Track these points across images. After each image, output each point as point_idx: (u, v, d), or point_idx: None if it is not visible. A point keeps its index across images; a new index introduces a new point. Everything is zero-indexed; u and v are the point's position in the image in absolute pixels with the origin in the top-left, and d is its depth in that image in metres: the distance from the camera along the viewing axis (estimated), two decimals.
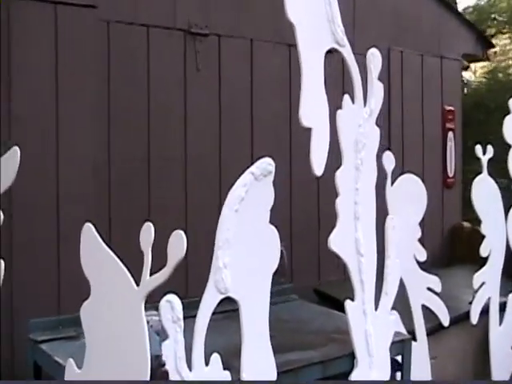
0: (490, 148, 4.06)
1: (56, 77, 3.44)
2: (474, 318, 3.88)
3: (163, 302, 2.32)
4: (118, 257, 2.35)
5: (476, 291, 3.93)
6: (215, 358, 2.47)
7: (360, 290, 3.02)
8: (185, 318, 2.37)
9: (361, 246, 3.02)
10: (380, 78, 4.87)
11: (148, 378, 2.16)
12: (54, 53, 3.43)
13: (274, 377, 2.65)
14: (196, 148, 3.96)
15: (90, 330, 2.39)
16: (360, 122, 3.08)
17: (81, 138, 3.52)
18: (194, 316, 2.47)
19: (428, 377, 3.66)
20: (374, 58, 3.18)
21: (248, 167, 2.60)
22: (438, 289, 3.70)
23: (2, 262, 2.81)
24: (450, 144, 5.29)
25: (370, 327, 3.01)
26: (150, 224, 2.32)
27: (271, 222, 4.43)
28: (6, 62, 3.31)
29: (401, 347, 3.22)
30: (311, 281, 4.46)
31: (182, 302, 2.36)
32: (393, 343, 3.17)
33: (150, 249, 2.27)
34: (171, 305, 2.33)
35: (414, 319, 3.63)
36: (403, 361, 3.23)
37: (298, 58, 2.86)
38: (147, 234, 2.30)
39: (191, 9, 3.93)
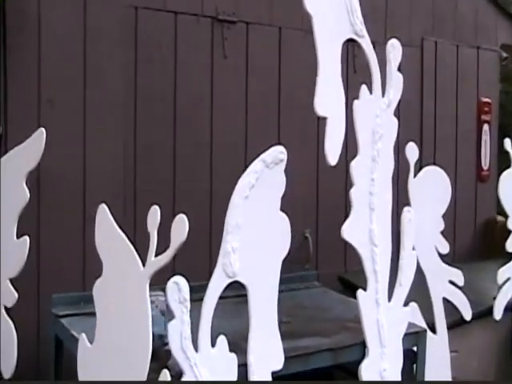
0: None
1: (84, 62, 3.56)
2: (498, 314, 3.85)
3: (170, 284, 2.40)
4: (129, 238, 2.46)
5: (501, 286, 3.90)
6: (221, 339, 2.55)
7: (373, 280, 3.04)
8: (197, 300, 2.46)
9: (375, 236, 3.05)
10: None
11: (149, 356, 2.26)
12: (82, 38, 3.55)
13: (281, 361, 2.71)
14: (223, 134, 4.03)
15: (100, 307, 2.52)
16: (377, 113, 3.10)
17: (108, 121, 3.64)
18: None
19: (447, 370, 3.65)
20: (394, 49, 3.19)
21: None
22: (461, 282, 3.68)
23: (28, 238, 2.97)
24: (485, 137, 5.21)
25: (383, 317, 3.03)
26: (157, 207, 2.43)
27: (297, 209, 4.47)
28: (37, 49, 3.44)
29: (415, 339, 3.23)
30: (337, 269, 4.49)
31: (191, 286, 2.44)
32: (407, 335, 3.19)
33: (156, 231, 2.38)
34: (178, 286, 2.41)
35: (435, 312, 3.62)
36: (418, 353, 3.25)
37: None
38: (154, 217, 2.40)
39: None
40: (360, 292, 3.00)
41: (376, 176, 3.07)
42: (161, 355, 2.37)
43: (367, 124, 3.07)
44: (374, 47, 4.67)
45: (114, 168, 3.66)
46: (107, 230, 2.55)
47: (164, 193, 3.81)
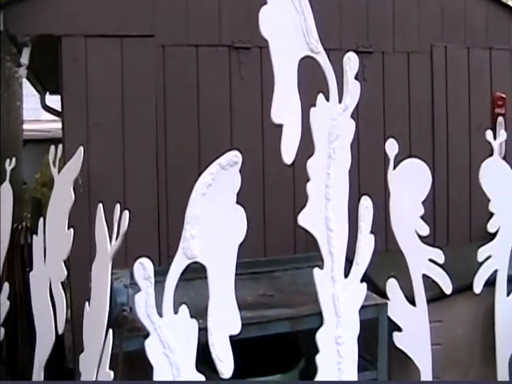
0: (502, 132, 3.74)
1: (122, 93, 3.83)
2: (478, 288, 3.60)
3: (136, 264, 2.60)
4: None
5: (481, 263, 3.64)
6: (183, 308, 2.70)
7: (329, 260, 3.02)
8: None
9: (330, 222, 3.02)
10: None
11: (106, 318, 2.47)
12: (120, 74, 3.82)
13: (237, 327, 2.78)
14: (241, 142, 4.08)
15: (93, 280, 2.77)
16: (334, 117, 3.06)
17: (142, 137, 3.88)
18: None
19: (427, 340, 3.49)
20: (350, 61, 3.12)
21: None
22: (441, 260, 3.51)
23: (72, 230, 3.27)
24: (500, 129, 4.79)
25: (338, 292, 3.01)
26: (118, 206, 2.62)
27: None
28: (85, 84, 3.78)
29: (376, 310, 3.15)
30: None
31: (155, 269, 2.61)
32: (368, 306, 3.12)
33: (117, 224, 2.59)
34: (143, 266, 2.60)
35: (414, 287, 3.49)
36: (379, 322, 3.16)
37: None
38: (116, 212, 2.61)
39: (234, 26, 4.03)
40: (316, 270, 2.99)
41: (332, 171, 3.04)
42: (119, 318, 2.57)
43: (323, 127, 3.04)
44: (383, 58, 4.53)
45: (147, 174, 3.88)
46: (99, 224, 2.79)
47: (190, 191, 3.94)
